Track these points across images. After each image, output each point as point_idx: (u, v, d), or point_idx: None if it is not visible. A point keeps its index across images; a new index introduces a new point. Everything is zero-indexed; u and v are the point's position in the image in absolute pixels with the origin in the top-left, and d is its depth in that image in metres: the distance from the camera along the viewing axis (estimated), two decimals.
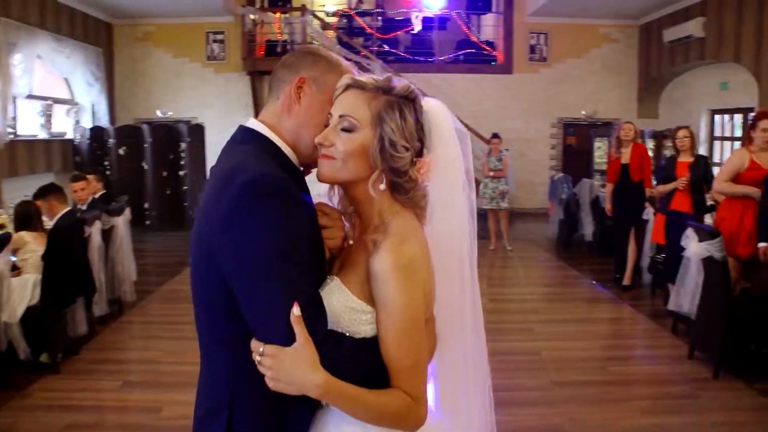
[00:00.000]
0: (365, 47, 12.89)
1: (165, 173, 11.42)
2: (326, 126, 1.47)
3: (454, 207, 1.56)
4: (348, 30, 13.47)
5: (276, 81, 1.55)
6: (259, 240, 1.30)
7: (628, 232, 7.15)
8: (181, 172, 11.43)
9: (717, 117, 11.31)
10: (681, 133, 6.18)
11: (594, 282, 7.66)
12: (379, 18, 14.09)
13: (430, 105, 1.52)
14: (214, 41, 12.90)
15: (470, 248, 1.60)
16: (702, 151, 11.62)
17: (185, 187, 11.43)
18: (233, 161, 1.42)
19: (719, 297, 4.65)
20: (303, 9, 12.12)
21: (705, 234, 4.72)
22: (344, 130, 1.42)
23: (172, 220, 11.36)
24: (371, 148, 1.42)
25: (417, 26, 14.11)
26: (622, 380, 4.80)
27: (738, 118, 10.70)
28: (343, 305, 1.41)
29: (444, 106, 1.54)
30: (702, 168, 6.01)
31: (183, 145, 11.40)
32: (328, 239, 1.52)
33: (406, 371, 1.38)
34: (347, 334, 1.40)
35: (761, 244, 4.75)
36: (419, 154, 1.48)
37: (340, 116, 1.43)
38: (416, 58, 13.51)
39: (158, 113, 12.80)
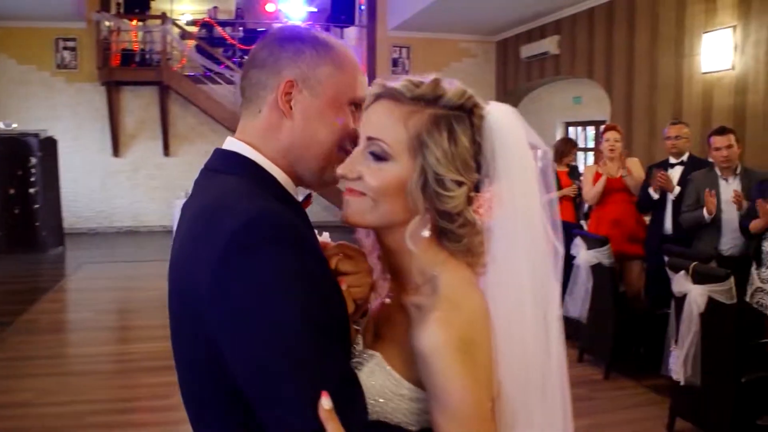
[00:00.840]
0: (228, 58, 12.54)
1: (12, 191, 10.45)
2: (343, 140, 1.13)
3: (528, 253, 1.11)
4: (209, 40, 13.04)
5: (251, 87, 1.17)
6: (264, 307, 0.95)
7: None
8: (32, 190, 10.50)
9: (571, 129, 12.04)
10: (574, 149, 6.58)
11: None
12: (240, 29, 13.78)
13: (494, 114, 1.09)
14: (65, 48, 11.96)
15: (554, 305, 1.17)
16: None
17: (36, 206, 10.51)
18: (213, 198, 1.06)
19: (608, 301, 4.90)
20: (163, 17, 11.57)
21: (593, 242, 4.95)
22: (374, 156, 1.05)
23: (21, 242, 10.40)
24: (410, 184, 1.04)
25: None
26: None
27: (590, 129, 11.44)
28: (390, 391, 1.05)
29: (514, 111, 1.11)
30: (576, 176, 6.36)
31: (33, 161, 10.49)
32: (353, 288, 1.15)
33: None
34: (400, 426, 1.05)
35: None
36: (478, 186, 1.08)
37: (368, 138, 1.06)
38: None
39: (0, 125, 11.70)
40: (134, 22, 12.20)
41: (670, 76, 8.33)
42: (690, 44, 7.95)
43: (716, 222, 4.51)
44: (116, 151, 12.24)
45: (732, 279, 3.62)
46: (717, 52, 7.46)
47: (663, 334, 4.45)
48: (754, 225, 4.21)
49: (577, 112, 11.72)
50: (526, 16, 11.45)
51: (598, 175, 5.57)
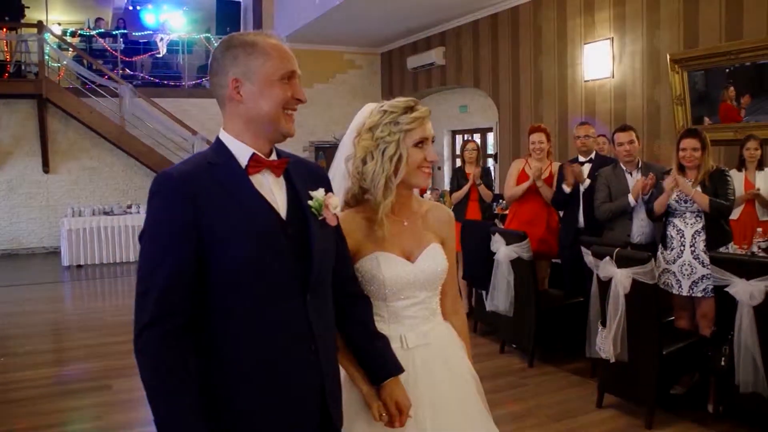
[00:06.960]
0: (110, 70, 12.05)
1: None
2: (283, 104, 1.60)
3: None
4: (89, 51, 12.49)
5: (215, 90, 1.63)
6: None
7: None
8: None
9: (458, 136, 12.53)
10: (470, 146, 6.79)
11: None
12: (121, 40, 13.28)
13: None
14: None
15: None
16: (446, 167, 12.86)
17: None
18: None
19: (529, 293, 5.20)
20: (40, 25, 10.95)
21: (512, 237, 5.24)
22: None
23: None
24: None
25: (162, 50, 13.59)
26: None
27: (477, 137, 11.95)
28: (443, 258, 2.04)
29: None
30: (488, 177, 6.69)
31: None
32: None
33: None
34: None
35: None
36: None
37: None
38: (166, 82, 13.01)
39: None
40: (4, 31, 11.47)
41: (554, 83, 8.94)
42: (572, 55, 8.57)
43: (627, 212, 4.90)
44: None
45: (653, 261, 4.00)
46: (597, 61, 8.10)
47: (579, 322, 4.76)
48: (658, 202, 4.54)
49: (462, 121, 12.21)
50: (411, 29, 11.82)
51: (523, 173, 5.85)
